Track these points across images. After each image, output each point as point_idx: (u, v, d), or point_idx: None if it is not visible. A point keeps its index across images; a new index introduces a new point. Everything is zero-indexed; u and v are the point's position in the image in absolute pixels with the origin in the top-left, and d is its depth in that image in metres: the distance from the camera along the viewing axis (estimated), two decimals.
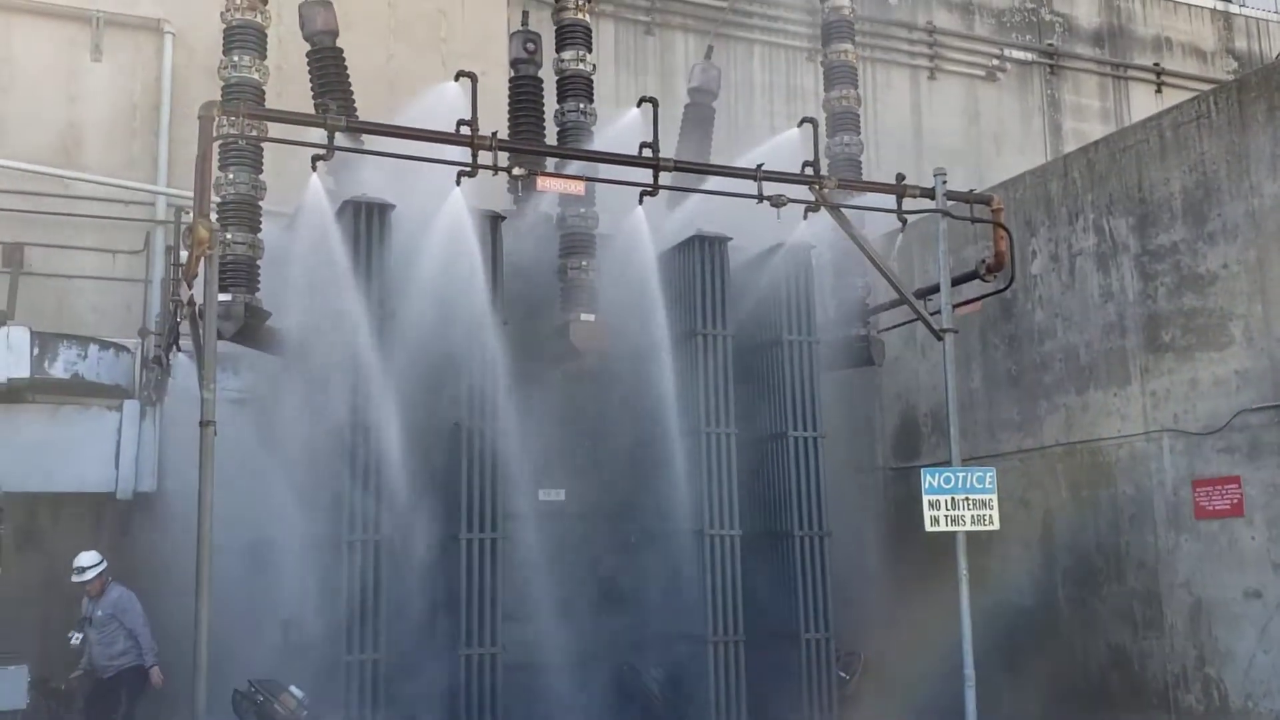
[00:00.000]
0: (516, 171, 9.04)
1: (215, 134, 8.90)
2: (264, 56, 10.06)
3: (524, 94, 11.63)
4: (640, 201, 9.92)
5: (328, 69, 11.23)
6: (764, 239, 11.30)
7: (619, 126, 11.03)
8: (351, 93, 11.33)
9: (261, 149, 9.89)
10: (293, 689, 8.99)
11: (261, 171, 9.97)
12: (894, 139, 17.61)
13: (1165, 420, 10.87)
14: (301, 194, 9.65)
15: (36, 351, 11.53)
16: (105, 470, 11.86)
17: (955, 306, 10.59)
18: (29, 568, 12.21)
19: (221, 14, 9.96)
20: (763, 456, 11.14)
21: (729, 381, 10.73)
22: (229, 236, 9.60)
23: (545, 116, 11.60)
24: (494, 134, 9.12)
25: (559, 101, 10.95)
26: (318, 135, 9.10)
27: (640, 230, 10.18)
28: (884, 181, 10.66)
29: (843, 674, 10.89)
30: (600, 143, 10.64)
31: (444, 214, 9.40)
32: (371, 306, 9.43)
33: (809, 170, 10.15)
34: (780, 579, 10.85)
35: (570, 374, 10.80)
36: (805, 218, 10.31)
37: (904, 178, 10.52)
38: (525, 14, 12.51)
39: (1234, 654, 10.11)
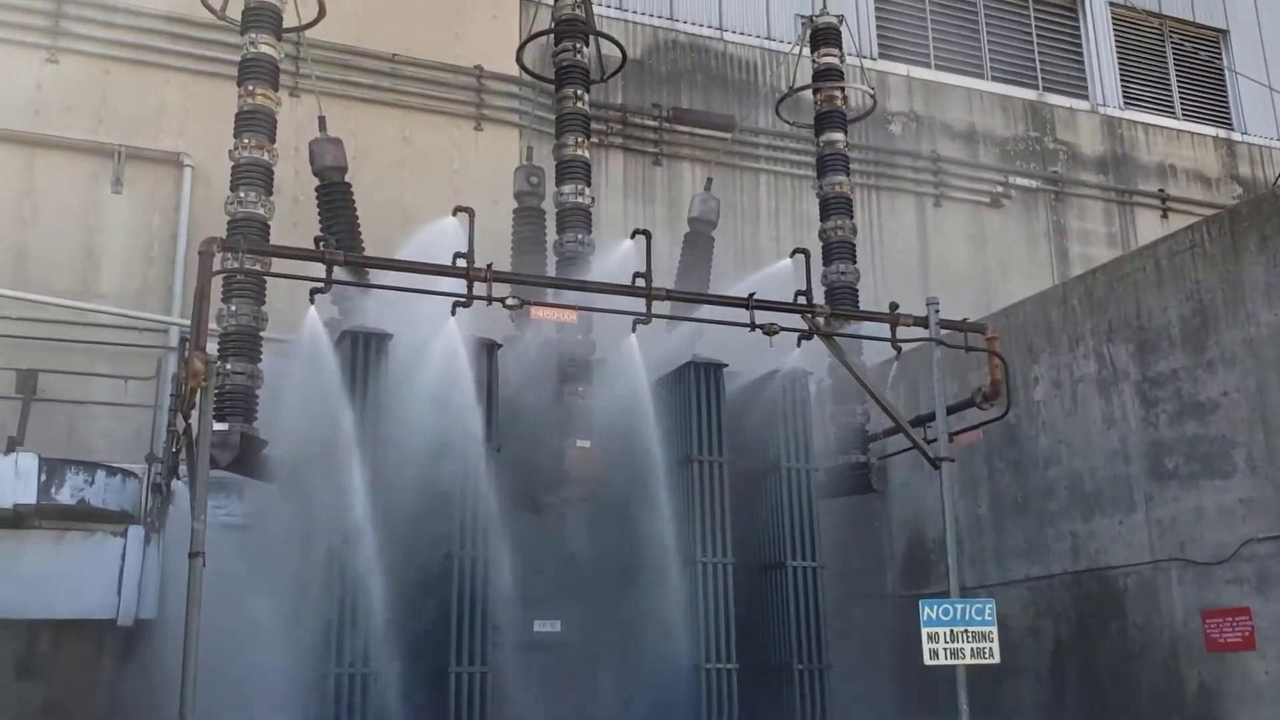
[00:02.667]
0: (510, 302, 9.20)
1: (219, 268, 9.15)
2: (270, 192, 10.36)
3: (527, 225, 11.91)
4: (634, 329, 10.04)
5: (335, 203, 11.53)
6: (762, 364, 11.37)
7: (616, 256, 11.22)
8: (358, 225, 11.59)
9: (264, 281, 10.13)
10: None
11: (264, 303, 10.18)
12: (900, 264, 17.79)
13: (1172, 549, 10.68)
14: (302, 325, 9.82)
15: (44, 477, 11.59)
16: (108, 596, 11.80)
17: (954, 435, 10.58)
18: (27, 698, 12.12)
19: (230, 152, 10.30)
20: (760, 587, 10.99)
21: (726, 509, 10.66)
22: (229, 367, 9.77)
23: (547, 246, 11.87)
24: (489, 265, 9.31)
25: (559, 232, 11.20)
26: (322, 268, 9.33)
27: (633, 358, 10.27)
28: (877, 311, 10.76)
29: None
30: (598, 271, 10.82)
31: (438, 343, 9.54)
32: (366, 435, 9.50)
33: (801, 299, 10.26)
34: (779, 715, 10.60)
35: (567, 500, 10.77)
36: (799, 345, 10.40)
37: (897, 306, 10.61)
38: (529, 149, 12.90)
39: None
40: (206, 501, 8.40)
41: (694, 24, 18.08)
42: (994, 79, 19.97)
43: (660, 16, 17.85)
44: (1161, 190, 20.21)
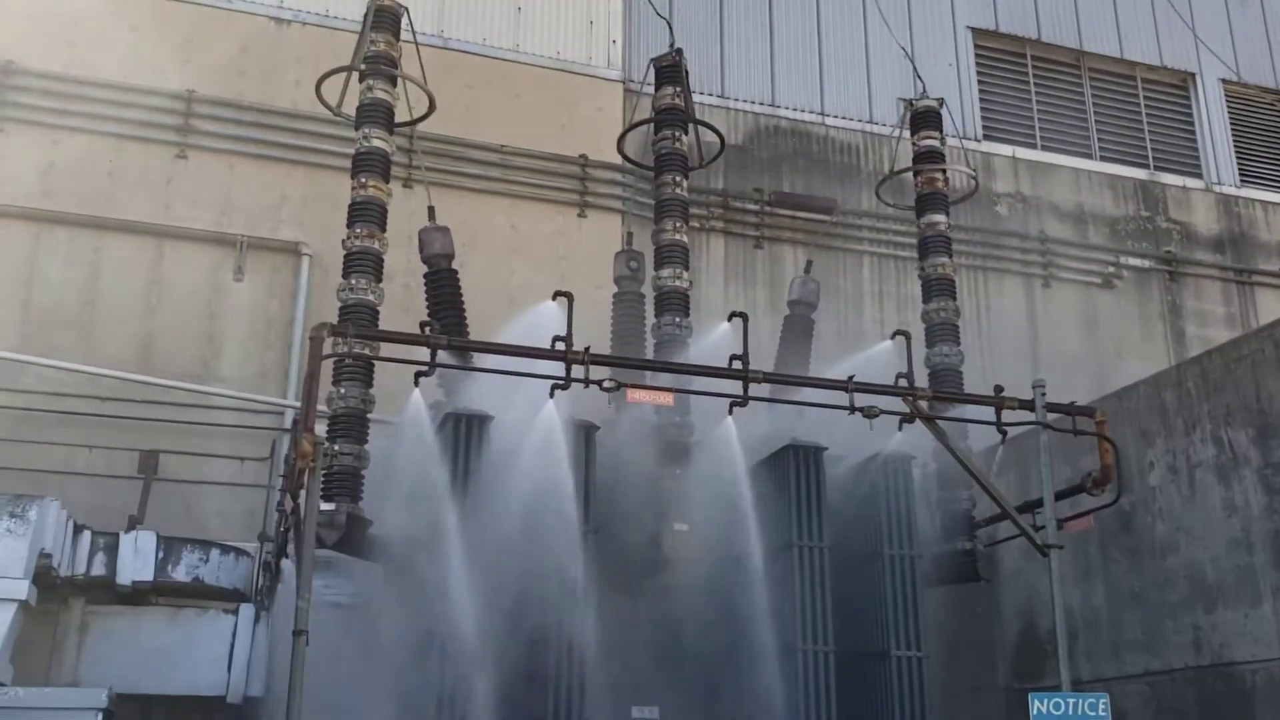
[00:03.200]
0: (606, 385, 9.30)
1: (329, 352, 9.47)
2: (380, 279, 10.69)
3: (625, 308, 12.06)
4: (730, 412, 10.03)
5: (441, 288, 11.82)
6: (863, 447, 11.20)
7: (713, 338, 11.25)
8: (463, 310, 11.85)
9: (372, 364, 10.42)
10: None
11: (372, 385, 10.45)
12: (1009, 346, 17.49)
13: None
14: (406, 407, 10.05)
15: (161, 555, 12.01)
16: (218, 673, 12.08)
17: (1064, 521, 10.27)
18: None
19: (342, 241, 10.69)
20: (863, 676, 10.70)
21: (826, 596, 10.44)
22: (336, 448, 10.01)
23: (646, 330, 11.98)
24: (586, 349, 9.44)
25: (656, 315, 11.30)
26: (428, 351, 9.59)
27: (730, 441, 10.23)
28: (982, 394, 10.55)
29: None
30: (695, 354, 10.86)
31: (537, 425, 9.65)
32: (466, 515, 9.62)
33: (903, 382, 10.15)
34: None
35: (663, 584, 10.69)
36: (900, 429, 10.25)
37: (1002, 389, 10.40)
38: (629, 235, 13.12)
39: None
40: (311, 580, 8.59)
41: (795, 109, 18.28)
42: (1103, 158, 19.68)
43: (761, 103, 18.12)
44: None
